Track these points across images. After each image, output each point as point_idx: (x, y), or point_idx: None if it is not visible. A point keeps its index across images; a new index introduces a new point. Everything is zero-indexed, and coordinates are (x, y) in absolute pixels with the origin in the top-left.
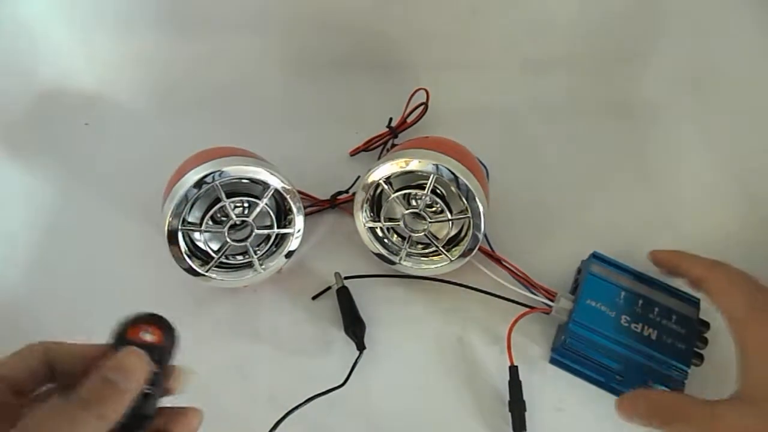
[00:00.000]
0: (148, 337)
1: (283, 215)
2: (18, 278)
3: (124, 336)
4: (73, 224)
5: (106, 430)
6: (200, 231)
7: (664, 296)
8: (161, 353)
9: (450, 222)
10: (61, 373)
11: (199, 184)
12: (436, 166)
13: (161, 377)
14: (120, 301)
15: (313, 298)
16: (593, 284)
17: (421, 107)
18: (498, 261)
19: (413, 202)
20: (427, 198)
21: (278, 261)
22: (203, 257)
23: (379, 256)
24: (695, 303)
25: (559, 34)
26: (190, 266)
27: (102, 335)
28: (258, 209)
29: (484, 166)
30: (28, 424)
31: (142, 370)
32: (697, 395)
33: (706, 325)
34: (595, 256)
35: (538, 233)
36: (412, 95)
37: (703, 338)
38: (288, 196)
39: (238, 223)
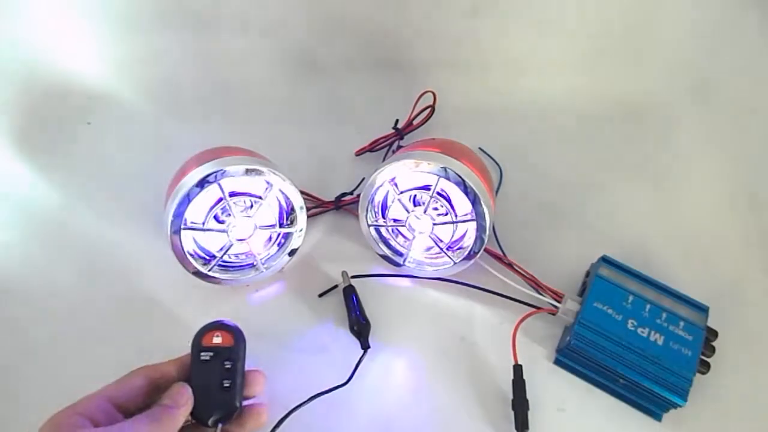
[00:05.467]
0: (218, 340)
1: (285, 214)
2: (19, 277)
3: (200, 343)
4: (76, 223)
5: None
6: (203, 230)
7: (673, 302)
8: (231, 352)
9: (454, 224)
10: (158, 386)
11: (201, 183)
12: (444, 168)
13: (236, 373)
14: (122, 300)
15: (320, 295)
16: (601, 287)
17: (428, 110)
18: (503, 261)
19: (418, 204)
20: (433, 200)
21: (281, 260)
22: (206, 256)
23: (384, 257)
24: (704, 310)
25: (565, 36)
26: (193, 265)
27: (103, 334)
28: (260, 208)
29: (499, 166)
30: (121, 424)
31: (183, 396)
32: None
33: (714, 333)
34: (605, 260)
35: (546, 235)
36: (420, 97)
37: (711, 346)
38: (290, 195)
39: (240, 222)
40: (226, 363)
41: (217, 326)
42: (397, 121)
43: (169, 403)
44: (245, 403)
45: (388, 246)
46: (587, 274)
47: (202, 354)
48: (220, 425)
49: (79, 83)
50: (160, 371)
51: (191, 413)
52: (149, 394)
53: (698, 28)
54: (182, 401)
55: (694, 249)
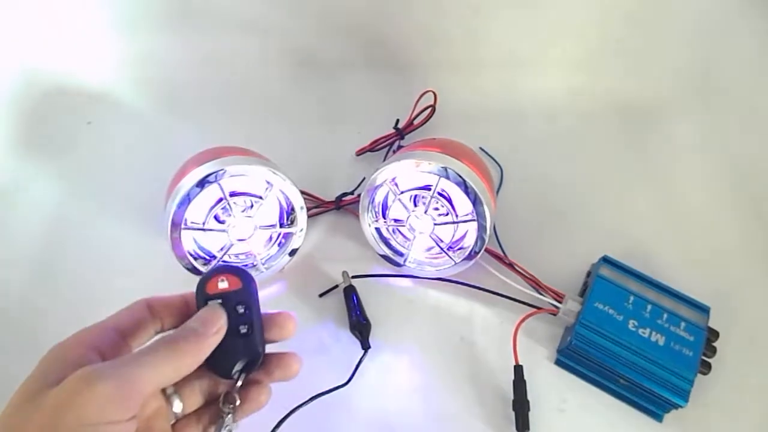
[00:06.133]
0: (223, 284)
1: (286, 214)
2: (19, 277)
3: (204, 291)
4: (76, 222)
5: (188, 367)
6: (203, 230)
7: (674, 302)
8: (241, 295)
9: (455, 224)
10: (161, 319)
11: (201, 183)
12: (444, 168)
13: (252, 315)
14: (121, 299)
15: (320, 295)
16: (602, 287)
17: (429, 109)
18: (504, 261)
19: (419, 204)
20: (433, 200)
21: (281, 260)
22: (206, 256)
23: (385, 257)
24: (705, 311)
25: (566, 36)
26: (193, 266)
27: None
28: (260, 208)
29: (499, 166)
30: (134, 354)
31: (218, 320)
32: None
33: (715, 333)
34: (606, 260)
35: (547, 235)
36: (420, 97)
37: (712, 347)
38: (290, 195)
39: (240, 222)
40: (238, 307)
41: (220, 270)
42: (397, 120)
43: (197, 328)
44: (272, 350)
45: (389, 246)
46: (588, 275)
47: (210, 303)
48: (242, 375)
49: (79, 83)
50: (165, 303)
51: (209, 366)
52: (153, 327)
53: (700, 27)
54: (213, 328)
55: (695, 249)
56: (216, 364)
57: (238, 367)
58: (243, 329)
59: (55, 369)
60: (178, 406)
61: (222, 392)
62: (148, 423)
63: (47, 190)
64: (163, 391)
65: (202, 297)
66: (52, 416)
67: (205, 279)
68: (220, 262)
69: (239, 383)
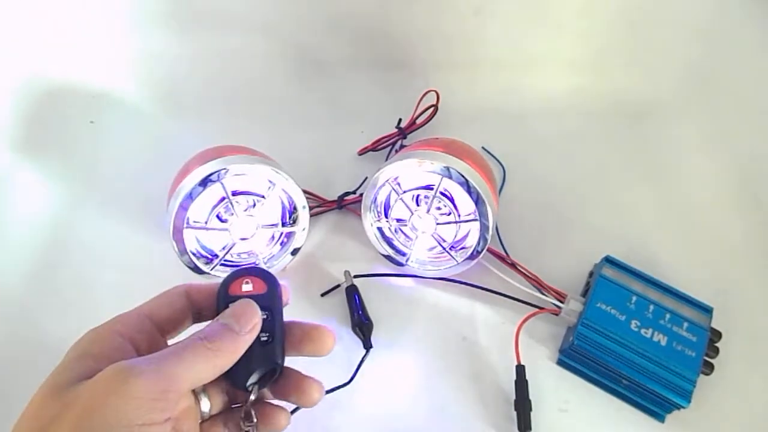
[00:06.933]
0: (248, 287)
1: (288, 213)
2: (20, 276)
3: (227, 292)
4: (78, 221)
5: (222, 366)
6: (205, 229)
7: (677, 303)
8: (266, 300)
9: (458, 224)
10: (198, 309)
11: (204, 182)
12: (447, 168)
13: (275, 323)
14: (123, 299)
15: (323, 294)
16: (604, 288)
17: (431, 109)
18: (506, 261)
19: (421, 204)
20: (436, 199)
21: (284, 259)
22: (208, 256)
23: (387, 257)
24: (708, 311)
25: (569, 35)
26: (195, 265)
27: None
28: (263, 207)
29: (502, 166)
30: (170, 350)
31: (253, 314)
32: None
33: (718, 334)
34: (608, 260)
35: (550, 235)
36: (423, 96)
37: (715, 347)
38: (293, 195)
39: (243, 221)
40: (261, 313)
41: (246, 272)
42: (400, 120)
43: (231, 325)
44: (292, 365)
45: (391, 245)
46: (590, 275)
47: (241, 300)
48: (256, 387)
49: (81, 82)
50: (204, 292)
51: (230, 374)
52: (190, 317)
53: (703, 27)
54: (249, 325)
55: (698, 249)
56: (231, 372)
57: (253, 378)
58: (263, 337)
59: (87, 361)
60: (206, 405)
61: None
62: (177, 423)
63: (50, 189)
64: (193, 390)
65: (225, 298)
66: (84, 416)
67: (230, 279)
68: (222, 261)
69: (253, 396)
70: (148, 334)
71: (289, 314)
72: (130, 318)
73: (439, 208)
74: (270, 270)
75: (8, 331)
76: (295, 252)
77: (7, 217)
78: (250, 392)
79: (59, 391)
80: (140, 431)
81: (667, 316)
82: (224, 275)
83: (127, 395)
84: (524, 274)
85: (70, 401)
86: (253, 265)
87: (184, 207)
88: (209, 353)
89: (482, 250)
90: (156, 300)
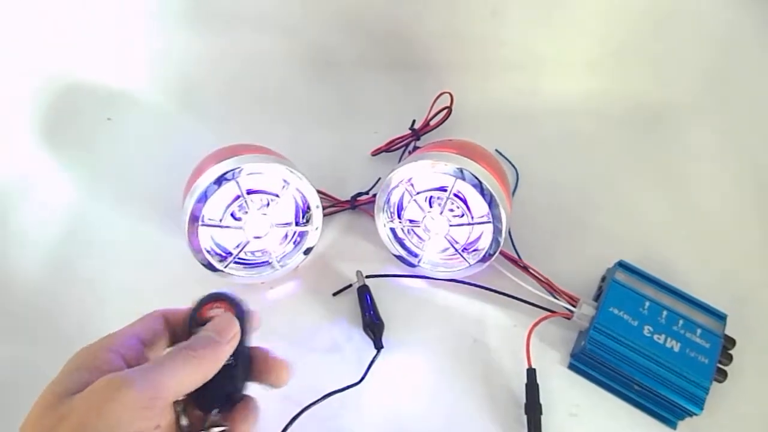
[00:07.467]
0: (216, 312)
1: (301, 213)
2: (38, 271)
3: (196, 317)
4: (94, 218)
5: (205, 374)
6: (220, 227)
7: (690, 309)
8: None
9: (470, 226)
10: (173, 331)
11: (219, 180)
12: (460, 170)
13: (240, 349)
14: (138, 295)
15: (334, 294)
16: (617, 292)
17: (445, 110)
18: (518, 264)
19: (434, 205)
20: (449, 201)
21: (296, 258)
22: (222, 253)
23: (399, 258)
24: (722, 318)
25: (583, 38)
26: (209, 262)
27: (118, 329)
28: (277, 206)
29: (515, 168)
30: (156, 361)
31: (232, 328)
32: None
33: (731, 341)
34: (621, 265)
35: (562, 238)
36: (437, 98)
37: (728, 354)
38: (307, 194)
39: (257, 219)
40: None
41: (215, 297)
42: (413, 121)
43: (213, 336)
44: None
45: (403, 246)
46: (603, 279)
47: (223, 314)
48: (215, 411)
49: (100, 80)
50: (179, 315)
51: (194, 397)
52: (167, 338)
53: (717, 31)
54: (229, 335)
55: (712, 255)
56: (198, 395)
57: (217, 402)
58: (228, 360)
59: (81, 374)
60: (185, 421)
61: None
62: None
63: (66, 186)
64: (174, 405)
65: (194, 323)
66: (80, 425)
67: (200, 304)
68: (236, 259)
69: (214, 418)
70: (136, 351)
71: (302, 313)
72: (120, 336)
73: (452, 210)
74: (284, 267)
75: (28, 325)
76: (307, 251)
77: (25, 212)
78: (211, 415)
79: (54, 402)
80: None
81: (681, 322)
82: (238, 273)
83: (120, 403)
84: (536, 277)
85: (66, 413)
86: (223, 292)
87: (199, 205)
88: (194, 361)
89: (495, 253)
90: (140, 321)
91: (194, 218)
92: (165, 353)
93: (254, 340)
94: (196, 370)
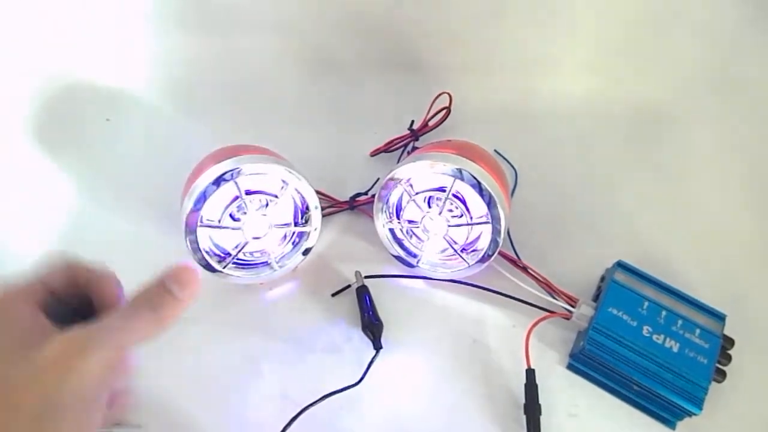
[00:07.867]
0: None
1: (300, 213)
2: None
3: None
4: (92, 218)
5: (164, 331)
6: (218, 228)
7: (689, 309)
8: None
9: (469, 226)
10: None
11: (217, 181)
12: (459, 170)
13: None
14: None
15: (333, 295)
16: (616, 292)
17: (444, 111)
18: (517, 264)
19: (433, 205)
20: (448, 201)
21: (295, 259)
22: (221, 254)
23: (398, 258)
24: (721, 318)
25: (582, 38)
26: (208, 263)
27: None
28: (275, 207)
29: (514, 168)
30: (105, 320)
31: (194, 282)
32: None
33: (730, 341)
34: (620, 265)
35: (561, 238)
36: (436, 99)
37: (727, 354)
38: (305, 194)
39: (255, 220)
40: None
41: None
42: (412, 122)
43: (175, 292)
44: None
45: (402, 247)
46: (602, 279)
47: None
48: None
49: (99, 80)
50: (81, 270)
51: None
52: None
53: (716, 29)
54: (189, 289)
55: (712, 255)
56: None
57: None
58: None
59: (18, 330)
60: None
61: None
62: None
63: (66, 186)
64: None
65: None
66: (46, 391)
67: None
68: (234, 260)
69: None
70: (49, 302)
71: (300, 314)
72: (31, 288)
73: (451, 210)
74: (282, 267)
75: None
76: (306, 252)
77: (24, 212)
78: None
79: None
80: (103, 399)
81: (680, 322)
82: (237, 274)
83: (90, 366)
84: (535, 277)
85: (25, 377)
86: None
87: (197, 205)
88: (156, 322)
89: (494, 254)
90: (46, 272)
91: (193, 219)
92: (124, 309)
93: (255, 340)
94: (155, 330)
